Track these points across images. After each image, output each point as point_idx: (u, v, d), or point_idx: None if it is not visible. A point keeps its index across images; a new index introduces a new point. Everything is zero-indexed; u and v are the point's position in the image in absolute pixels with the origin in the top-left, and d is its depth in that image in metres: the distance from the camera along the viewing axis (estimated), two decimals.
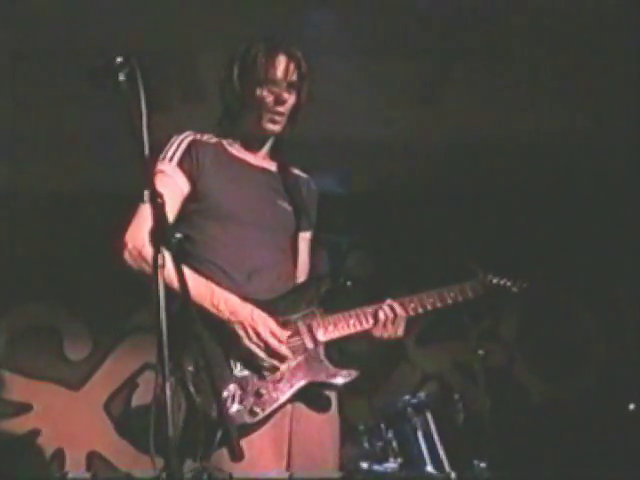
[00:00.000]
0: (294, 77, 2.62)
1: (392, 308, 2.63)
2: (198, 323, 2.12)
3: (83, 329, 5.71)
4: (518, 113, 4.96)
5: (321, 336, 2.55)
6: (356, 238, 5.36)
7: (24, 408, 5.53)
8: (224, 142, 2.69)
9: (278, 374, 2.46)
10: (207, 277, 2.47)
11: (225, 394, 2.36)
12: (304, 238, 2.77)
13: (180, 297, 1.97)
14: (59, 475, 5.01)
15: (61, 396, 5.58)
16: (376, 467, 3.89)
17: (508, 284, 2.99)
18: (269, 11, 3.93)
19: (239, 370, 2.42)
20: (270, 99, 2.60)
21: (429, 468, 3.88)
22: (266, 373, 2.44)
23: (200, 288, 2.40)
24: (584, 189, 5.73)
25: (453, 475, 3.79)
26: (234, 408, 2.36)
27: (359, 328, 2.61)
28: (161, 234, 1.88)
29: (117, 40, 3.91)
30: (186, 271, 2.04)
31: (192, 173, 2.56)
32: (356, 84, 4.64)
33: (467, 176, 5.60)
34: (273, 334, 2.44)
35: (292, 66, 2.61)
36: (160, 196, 1.91)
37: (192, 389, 2.30)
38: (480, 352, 4.29)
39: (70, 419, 5.51)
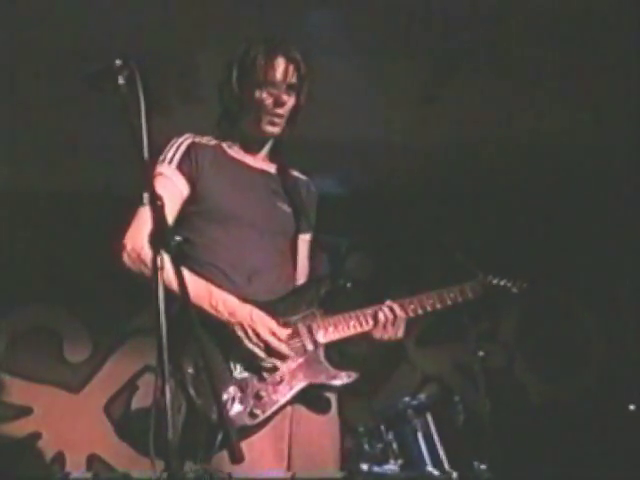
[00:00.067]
0: (293, 79, 2.62)
1: (392, 309, 2.63)
2: (197, 325, 2.12)
3: (83, 331, 5.70)
4: (518, 113, 4.96)
5: (321, 338, 2.55)
6: (355, 239, 5.36)
7: (24, 411, 5.52)
8: (223, 144, 2.69)
9: (278, 376, 2.45)
10: (207, 279, 2.47)
11: (225, 396, 2.36)
12: (304, 240, 2.77)
13: (179, 299, 1.97)
14: (61, 475, 5.01)
15: (61, 399, 5.58)
16: (376, 469, 3.88)
17: (508, 284, 3.00)
18: (269, 12, 3.93)
19: (239, 372, 2.42)
20: (269, 101, 2.60)
21: (430, 469, 3.87)
22: (266, 375, 2.44)
23: (198, 290, 2.39)
24: (584, 189, 5.73)
25: (454, 475, 3.79)
26: (234, 410, 2.36)
27: (359, 330, 2.61)
28: (161, 237, 1.88)
29: (116, 41, 3.91)
30: (185, 273, 2.04)
31: (191, 175, 2.56)
32: (356, 84, 4.64)
33: (467, 176, 5.60)
34: (273, 333, 2.44)
35: (291, 68, 2.61)
36: (159, 198, 1.91)
37: (192, 391, 2.31)
38: (480, 353, 4.29)
39: (70, 422, 5.51)
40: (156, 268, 1.84)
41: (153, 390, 1.83)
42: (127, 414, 5.58)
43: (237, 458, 1.82)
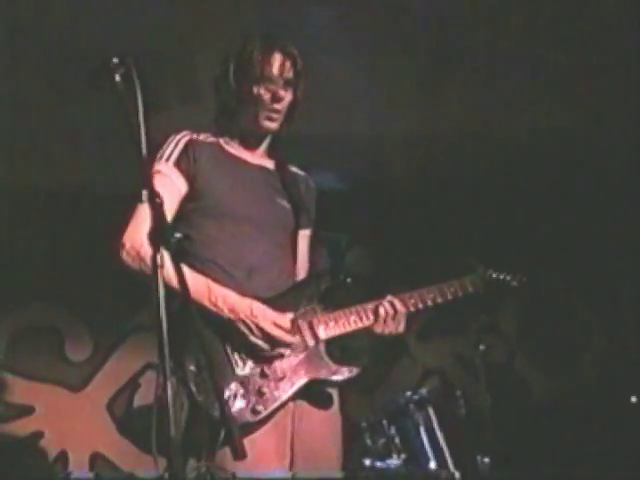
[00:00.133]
0: (290, 74, 2.62)
1: (392, 304, 2.63)
2: (198, 322, 2.12)
3: (84, 330, 5.70)
4: (518, 113, 4.95)
5: (322, 333, 2.55)
6: (355, 235, 5.36)
7: (26, 410, 5.51)
8: (221, 141, 2.69)
9: (280, 372, 2.46)
10: (207, 276, 2.47)
11: (227, 393, 2.36)
12: (303, 236, 2.77)
13: (180, 296, 1.97)
14: (63, 475, 5.02)
15: (63, 398, 5.57)
16: (379, 463, 3.88)
17: (508, 278, 3.01)
18: (268, 11, 3.93)
19: (241, 369, 2.42)
20: (267, 97, 2.59)
21: (432, 465, 3.87)
22: (267, 370, 2.44)
23: (198, 286, 2.39)
24: (584, 188, 5.72)
25: (457, 475, 3.78)
26: (236, 407, 2.36)
27: (360, 325, 2.61)
28: (160, 234, 1.88)
29: (115, 40, 3.91)
30: (184, 270, 2.04)
31: (189, 172, 2.56)
32: (356, 82, 4.63)
33: (467, 173, 5.60)
34: (275, 324, 2.44)
35: (288, 63, 2.61)
36: (158, 196, 1.91)
37: (194, 388, 2.31)
38: (481, 347, 4.30)
39: (72, 421, 5.50)
40: (156, 265, 1.84)
41: (155, 388, 1.83)
42: (129, 412, 5.57)
43: (240, 455, 1.82)
